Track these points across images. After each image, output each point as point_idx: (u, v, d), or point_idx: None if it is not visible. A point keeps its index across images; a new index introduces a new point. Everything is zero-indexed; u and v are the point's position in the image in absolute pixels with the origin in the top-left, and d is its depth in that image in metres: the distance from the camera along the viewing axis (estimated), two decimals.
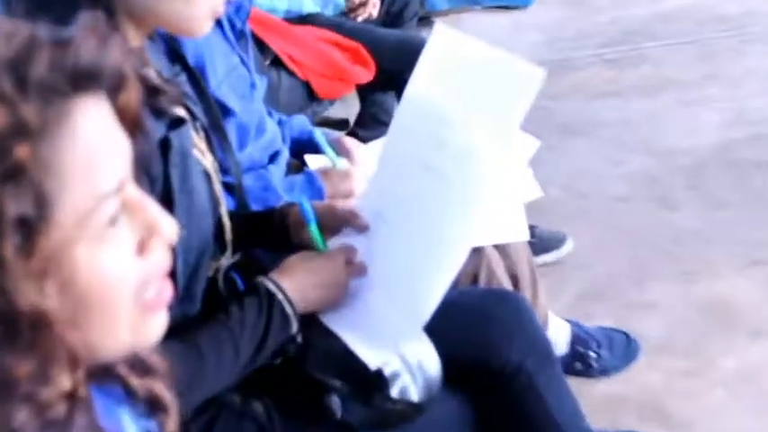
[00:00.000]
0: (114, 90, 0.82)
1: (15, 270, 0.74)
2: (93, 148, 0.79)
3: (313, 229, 1.65)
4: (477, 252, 2.09)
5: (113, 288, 0.81)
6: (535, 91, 1.50)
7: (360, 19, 3.21)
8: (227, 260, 1.67)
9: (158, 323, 0.87)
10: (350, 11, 3.23)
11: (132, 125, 0.85)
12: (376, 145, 2.32)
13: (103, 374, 0.89)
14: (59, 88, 0.77)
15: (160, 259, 0.85)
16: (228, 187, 1.77)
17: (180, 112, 1.50)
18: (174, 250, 1.24)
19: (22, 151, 0.74)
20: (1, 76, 0.74)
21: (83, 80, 0.78)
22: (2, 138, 0.73)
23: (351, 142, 2.30)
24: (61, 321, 0.77)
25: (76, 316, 0.79)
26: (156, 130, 1.41)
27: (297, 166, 2.34)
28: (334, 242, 1.67)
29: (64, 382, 0.78)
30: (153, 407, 0.95)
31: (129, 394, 0.93)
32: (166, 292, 0.87)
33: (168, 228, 0.85)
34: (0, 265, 0.74)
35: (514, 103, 1.52)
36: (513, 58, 1.55)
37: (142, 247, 0.84)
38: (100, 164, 0.79)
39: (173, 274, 1.29)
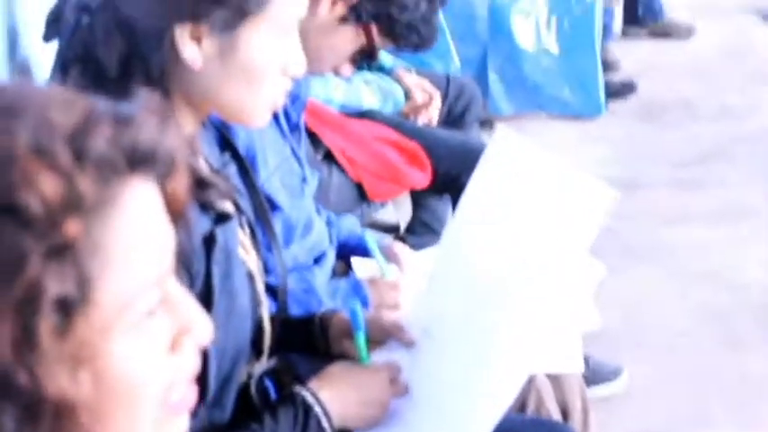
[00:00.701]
0: (164, 176, 0.84)
1: (48, 352, 0.75)
2: (141, 232, 0.80)
3: (360, 339, 1.67)
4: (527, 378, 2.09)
5: (143, 382, 0.81)
6: (604, 213, 1.52)
7: (420, 121, 3.21)
8: (261, 366, 1.69)
9: (180, 428, 0.87)
10: (411, 110, 3.24)
11: (177, 215, 0.87)
12: (427, 254, 2.34)
13: None
14: (117, 166, 0.78)
15: (190, 360, 0.86)
16: (270, 289, 1.78)
17: (227, 206, 1.52)
18: (206, 353, 1.25)
19: (73, 227, 0.74)
20: (58, 145, 0.75)
21: (139, 161, 0.80)
22: (54, 211, 0.74)
23: (401, 249, 2.31)
24: (85, 413, 0.78)
25: (100, 409, 0.79)
26: (201, 224, 1.43)
27: (342, 269, 2.36)
28: (377, 355, 1.69)
29: None
30: None
31: None
32: (191, 396, 0.88)
33: (203, 328, 0.86)
34: (33, 346, 0.74)
35: (582, 224, 1.53)
36: (581, 173, 1.56)
37: (174, 345, 0.84)
38: (146, 250, 0.81)
39: (202, 379, 1.31)
